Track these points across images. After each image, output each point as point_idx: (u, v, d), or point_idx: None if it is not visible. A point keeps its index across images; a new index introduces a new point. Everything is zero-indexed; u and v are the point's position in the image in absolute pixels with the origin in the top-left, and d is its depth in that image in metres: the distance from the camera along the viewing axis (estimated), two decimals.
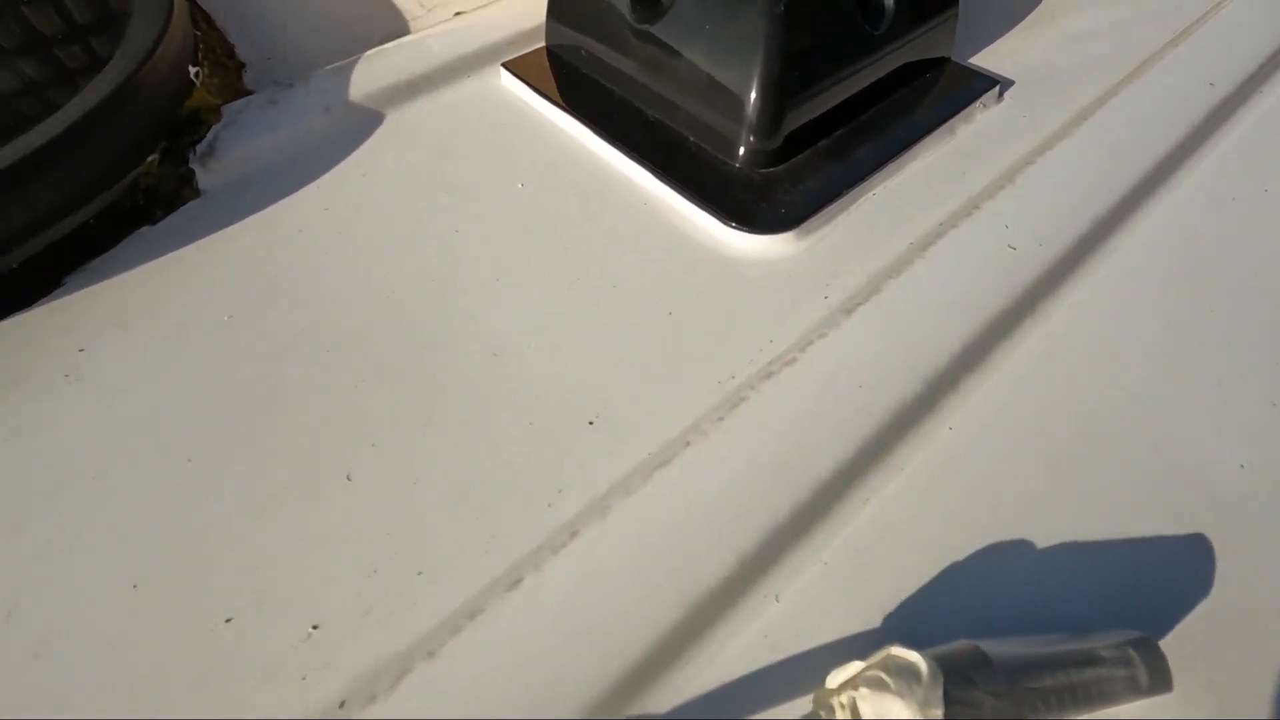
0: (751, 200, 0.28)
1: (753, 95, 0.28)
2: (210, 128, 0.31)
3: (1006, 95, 0.35)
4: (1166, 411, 0.23)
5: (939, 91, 0.34)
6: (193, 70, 0.31)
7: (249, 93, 0.34)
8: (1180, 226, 0.29)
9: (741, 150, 0.29)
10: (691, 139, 0.31)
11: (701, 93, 0.30)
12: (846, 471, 0.21)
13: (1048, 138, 0.32)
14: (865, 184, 0.30)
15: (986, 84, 0.34)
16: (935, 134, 0.32)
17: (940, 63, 0.35)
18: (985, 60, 0.37)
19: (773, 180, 0.29)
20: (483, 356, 0.24)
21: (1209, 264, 0.28)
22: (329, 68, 0.34)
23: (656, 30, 0.31)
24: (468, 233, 0.28)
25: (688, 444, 0.22)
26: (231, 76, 0.35)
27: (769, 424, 0.22)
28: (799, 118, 0.29)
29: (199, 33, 0.36)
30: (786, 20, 0.28)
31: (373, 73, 0.34)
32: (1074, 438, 0.23)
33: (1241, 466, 0.22)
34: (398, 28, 0.39)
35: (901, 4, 0.31)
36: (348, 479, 0.21)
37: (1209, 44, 0.36)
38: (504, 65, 0.35)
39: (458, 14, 0.40)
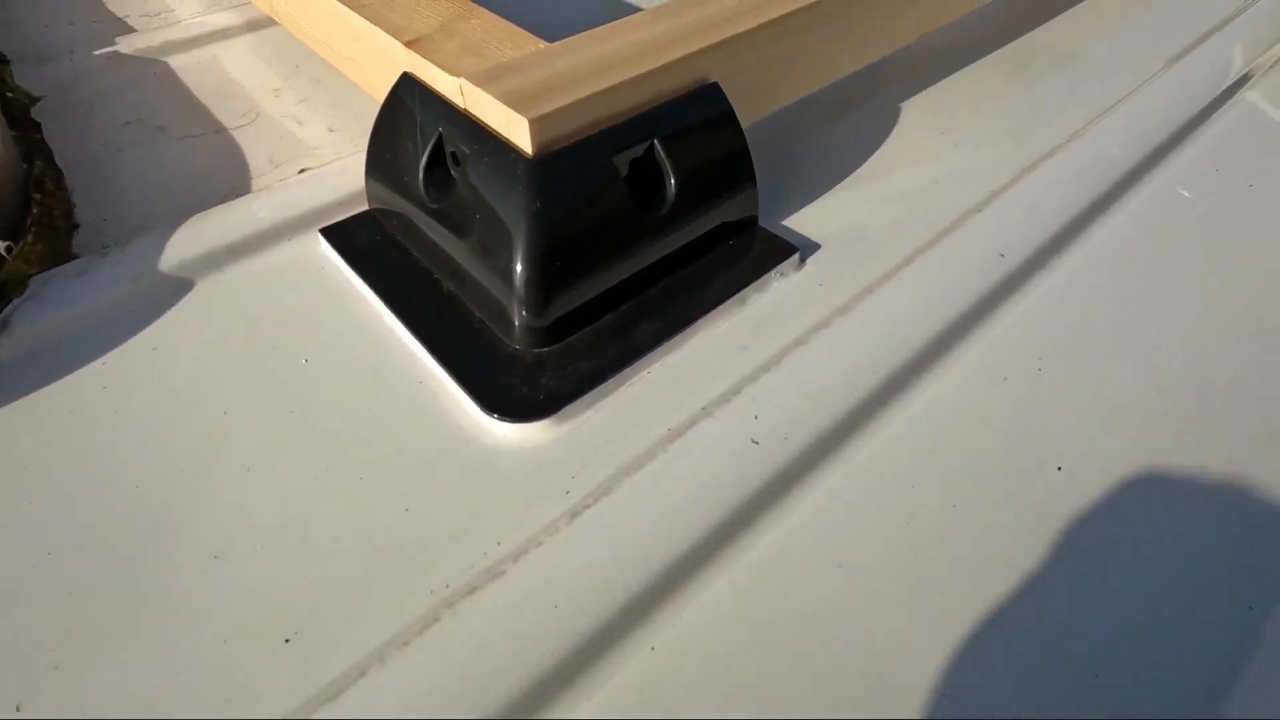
0: (517, 383, 0.29)
1: (518, 279, 0.29)
2: (11, 302, 0.32)
3: (810, 261, 0.36)
4: (884, 622, 0.23)
5: (738, 258, 0.35)
6: (2, 245, 0.33)
7: (74, 257, 0.36)
8: (937, 414, 0.29)
9: (516, 329, 0.30)
10: (478, 315, 0.32)
11: (483, 271, 0.31)
12: (529, 700, 0.21)
13: (829, 313, 0.32)
14: (640, 363, 0.30)
15: (786, 251, 0.35)
16: (725, 306, 0.33)
17: (746, 225, 0.36)
18: (799, 221, 0.38)
19: (545, 361, 0.30)
20: (204, 560, 0.24)
21: (961, 455, 0.28)
22: (154, 232, 0.36)
23: (443, 209, 0.32)
24: (236, 414, 0.29)
25: (383, 660, 0.22)
26: (60, 241, 0.36)
27: (454, 649, 0.22)
28: (572, 299, 0.30)
29: (39, 196, 0.38)
30: (549, 209, 0.29)
31: (193, 237, 0.35)
32: (789, 658, 0.22)
33: (944, 695, 0.22)
34: (241, 185, 0.41)
35: (687, 185, 0.32)
36: (16, 710, 0.21)
37: (1008, 211, 0.37)
38: (321, 230, 0.36)
39: (303, 170, 0.41)
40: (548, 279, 0.29)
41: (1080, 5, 0.57)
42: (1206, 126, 0.45)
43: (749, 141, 0.35)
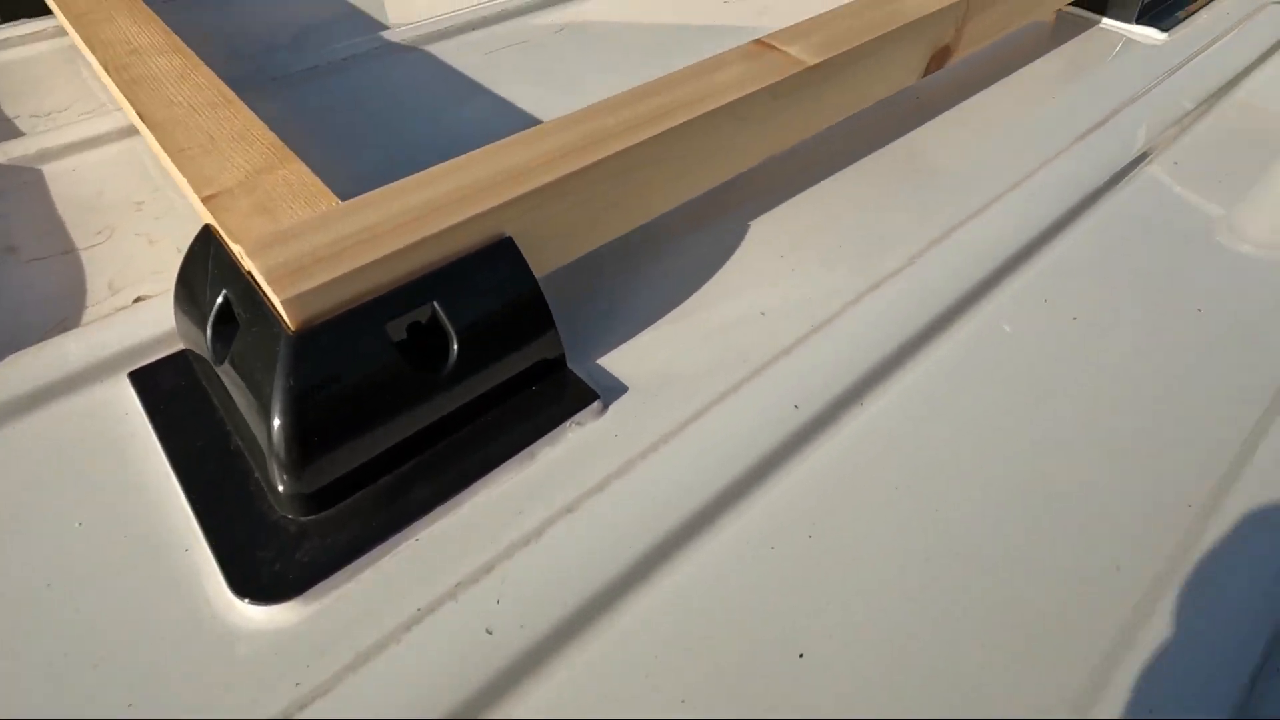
0: (272, 557, 0.29)
1: (274, 449, 0.29)
2: None
3: (613, 407, 0.36)
4: None
5: (536, 408, 0.35)
6: None
7: None
8: (692, 592, 0.29)
9: (281, 495, 0.30)
10: (255, 475, 0.32)
11: (253, 436, 0.31)
12: None
13: (607, 475, 0.32)
14: (408, 531, 0.30)
15: (587, 397, 0.35)
16: (512, 462, 0.33)
17: (552, 369, 0.36)
18: (616, 360, 0.38)
19: (309, 530, 0.30)
20: None
21: (706, 641, 0.27)
22: None
23: (222, 372, 0.32)
24: None
25: None
26: None
27: None
28: (333, 468, 0.30)
29: None
30: (305, 384, 0.29)
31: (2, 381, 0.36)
32: None
33: None
34: (74, 315, 0.41)
35: (472, 344, 0.33)
36: None
37: (818, 352, 0.38)
38: (130, 374, 0.36)
39: (137, 299, 0.42)
40: (304, 451, 0.29)
41: (946, 118, 0.57)
42: (1042, 253, 0.45)
43: (571, 275, 0.35)
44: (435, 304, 0.32)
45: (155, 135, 0.38)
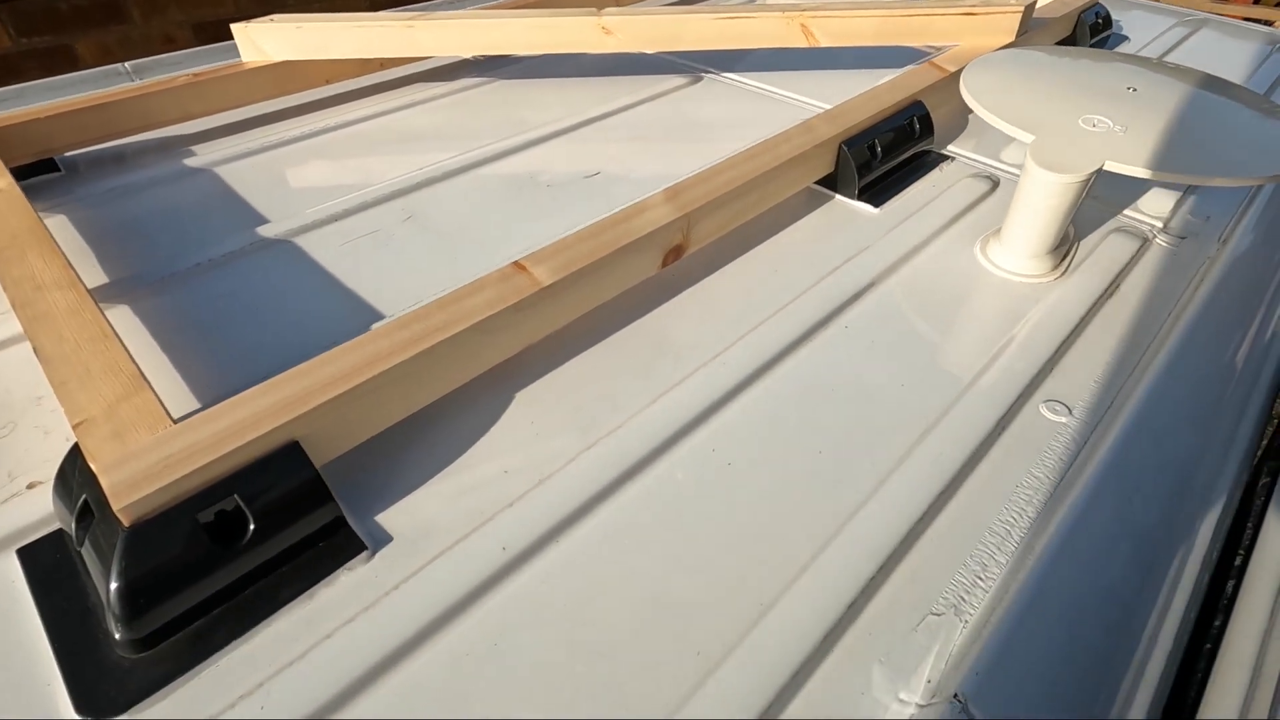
0: (109, 685, 0.42)
1: (111, 603, 0.42)
2: None
3: (379, 555, 0.50)
4: None
5: (318, 557, 0.49)
6: None
7: None
8: (419, 691, 0.43)
9: (117, 640, 0.43)
10: (103, 626, 0.45)
11: (100, 596, 0.44)
12: None
13: (364, 605, 0.46)
14: (211, 659, 0.44)
15: (357, 548, 0.50)
16: (296, 601, 0.47)
17: (335, 527, 0.51)
18: (390, 515, 0.53)
19: (136, 665, 0.43)
20: None
21: None
22: None
23: (83, 550, 0.46)
24: None
25: None
26: None
27: None
28: (158, 618, 0.44)
29: None
30: (133, 565, 0.43)
31: None
32: None
33: None
34: None
35: (265, 522, 0.47)
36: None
37: (534, 504, 0.53)
38: (18, 550, 0.49)
39: (31, 485, 0.55)
40: (131, 610, 0.43)
41: (686, 295, 0.75)
42: (721, 413, 0.62)
43: (361, 447, 0.50)
44: (236, 496, 0.46)
45: (45, 369, 0.53)
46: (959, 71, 1.05)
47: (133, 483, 0.44)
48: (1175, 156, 0.68)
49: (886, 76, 1.22)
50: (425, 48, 1.10)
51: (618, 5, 1.49)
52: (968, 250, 0.83)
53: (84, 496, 0.46)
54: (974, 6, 1.12)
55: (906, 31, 1.13)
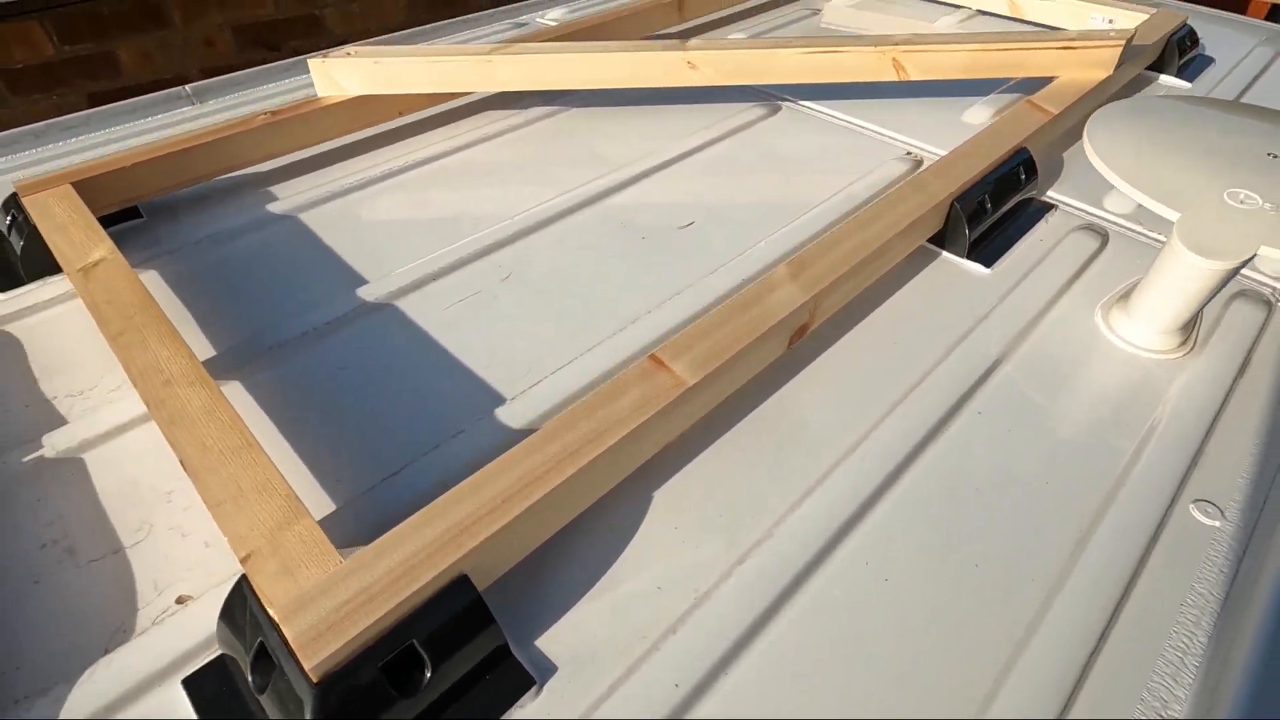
0: None
1: None
2: None
3: (545, 688, 0.49)
4: None
5: (486, 696, 0.48)
6: None
7: None
8: None
9: None
10: None
11: None
12: None
13: None
14: None
15: (525, 684, 0.48)
16: None
17: (499, 657, 0.49)
18: (549, 640, 0.51)
19: None
20: None
21: None
22: (48, 695, 0.48)
23: (263, 698, 0.45)
24: None
25: None
26: None
27: None
28: None
29: None
30: (327, 710, 0.42)
31: (75, 702, 0.47)
32: None
33: None
34: (128, 618, 0.53)
35: (442, 660, 0.46)
36: None
37: (685, 640, 0.52)
38: (183, 681, 0.48)
39: (179, 599, 0.54)
40: None
41: (807, 374, 0.73)
42: (867, 518, 0.60)
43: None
44: (414, 641, 0.45)
45: (195, 484, 0.51)
46: (1062, 113, 1.02)
47: (317, 634, 0.42)
48: None
49: (972, 107, 1.18)
50: (503, 82, 1.07)
51: (699, 35, 1.44)
52: (1088, 318, 0.80)
53: (259, 639, 0.45)
54: (1072, 39, 1.07)
55: (1001, 65, 1.09)
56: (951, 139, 1.09)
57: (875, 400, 0.70)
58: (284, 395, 0.69)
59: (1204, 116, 0.85)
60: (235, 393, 0.69)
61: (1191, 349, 0.76)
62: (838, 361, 0.74)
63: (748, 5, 1.62)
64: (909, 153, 1.08)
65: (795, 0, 1.68)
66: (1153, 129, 0.82)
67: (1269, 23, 1.61)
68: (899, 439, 0.66)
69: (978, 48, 1.06)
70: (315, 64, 1.03)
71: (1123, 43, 1.08)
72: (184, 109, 1.23)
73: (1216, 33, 1.55)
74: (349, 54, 1.04)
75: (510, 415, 0.67)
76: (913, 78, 1.09)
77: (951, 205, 0.85)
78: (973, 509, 0.61)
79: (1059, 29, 1.46)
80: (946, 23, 1.55)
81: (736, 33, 1.49)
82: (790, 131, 1.15)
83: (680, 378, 0.60)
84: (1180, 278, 0.69)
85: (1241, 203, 0.70)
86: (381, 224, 0.93)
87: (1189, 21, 1.38)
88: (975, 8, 1.56)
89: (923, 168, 1.03)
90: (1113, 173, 0.75)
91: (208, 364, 0.72)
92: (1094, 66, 1.10)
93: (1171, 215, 0.70)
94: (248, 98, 1.25)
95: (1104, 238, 0.92)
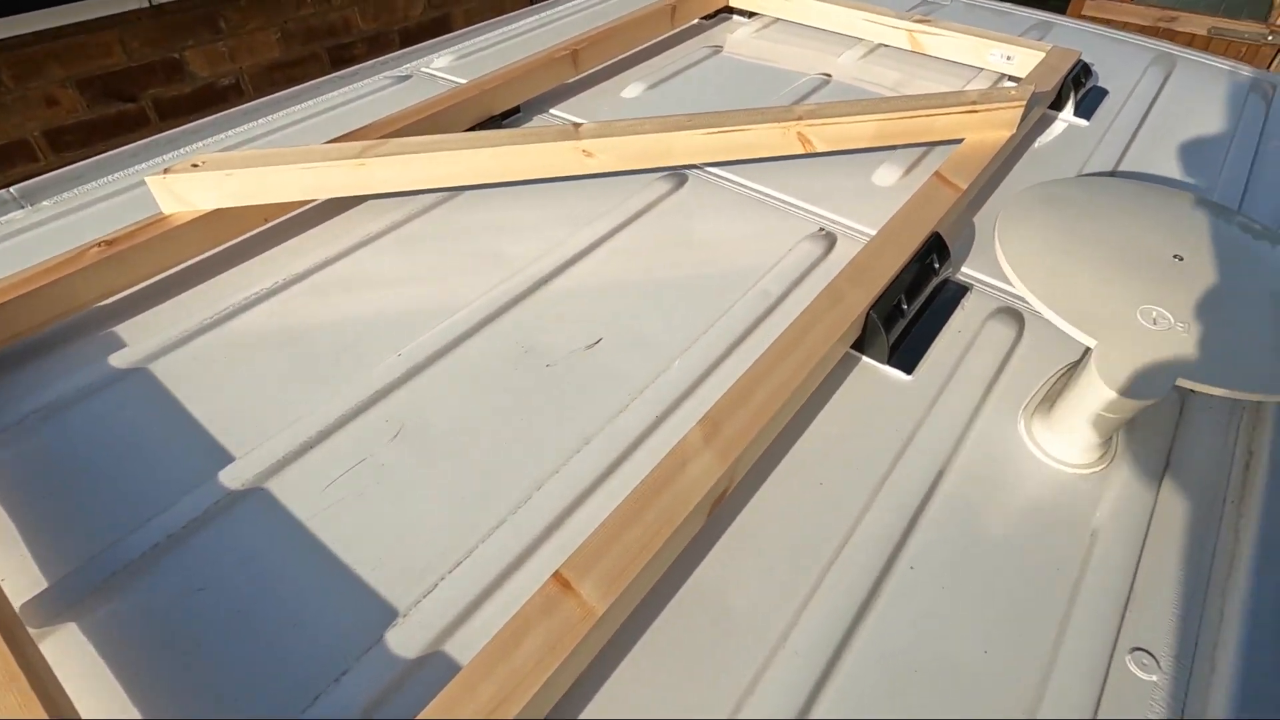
0: None
1: None
2: None
3: None
4: None
5: None
6: None
7: None
8: None
9: None
10: None
11: None
12: None
13: None
14: None
15: None
16: None
17: None
18: None
19: None
20: None
21: None
22: None
23: None
24: None
25: None
26: None
27: None
28: None
29: None
30: None
31: None
32: None
33: None
34: None
35: None
36: None
37: None
38: None
39: None
40: None
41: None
42: None
43: None
44: None
45: None
46: (970, 186, 0.99)
47: None
48: (1251, 369, 0.64)
49: (881, 167, 1.15)
50: (381, 184, 0.96)
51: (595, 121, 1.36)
52: (1012, 427, 0.78)
53: None
54: (975, 104, 1.05)
55: (907, 133, 1.06)
56: (863, 206, 1.06)
57: (804, 568, 0.65)
58: (130, 637, 0.59)
59: (1109, 206, 0.83)
60: (67, 643, 0.59)
61: (1113, 457, 0.75)
62: (761, 520, 0.69)
63: (644, 48, 1.54)
64: (822, 229, 1.03)
65: (694, 38, 1.61)
66: (1061, 229, 0.80)
67: (1158, 42, 1.64)
68: (832, 617, 0.61)
69: (883, 117, 1.02)
70: (155, 181, 0.90)
71: (1024, 102, 1.06)
72: (11, 214, 1.07)
73: (1108, 57, 1.57)
74: (195, 166, 0.91)
75: (402, 641, 0.59)
76: (819, 150, 1.04)
77: (868, 315, 0.81)
78: (913, 697, 0.57)
79: (962, 63, 1.45)
80: (850, 56, 1.52)
81: (635, 81, 1.41)
82: (699, 208, 1.08)
83: (589, 606, 0.53)
84: (1101, 409, 0.67)
85: (1155, 323, 0.68)
86: (248, 370, 0.82)
87: (1081, 56, 1.39)
88: (877, 40, 1.53)
89: (834, 251, 0.99)
90: (1029, 291, 0.72)
91: (31, 606, 0.61)
92: (998, 127, 1.08)
93: (1089, 340, 0.67)
94: (91, 194, 1.10)
95: (1020, 323, 0.90)
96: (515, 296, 0.92)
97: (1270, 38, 4.58)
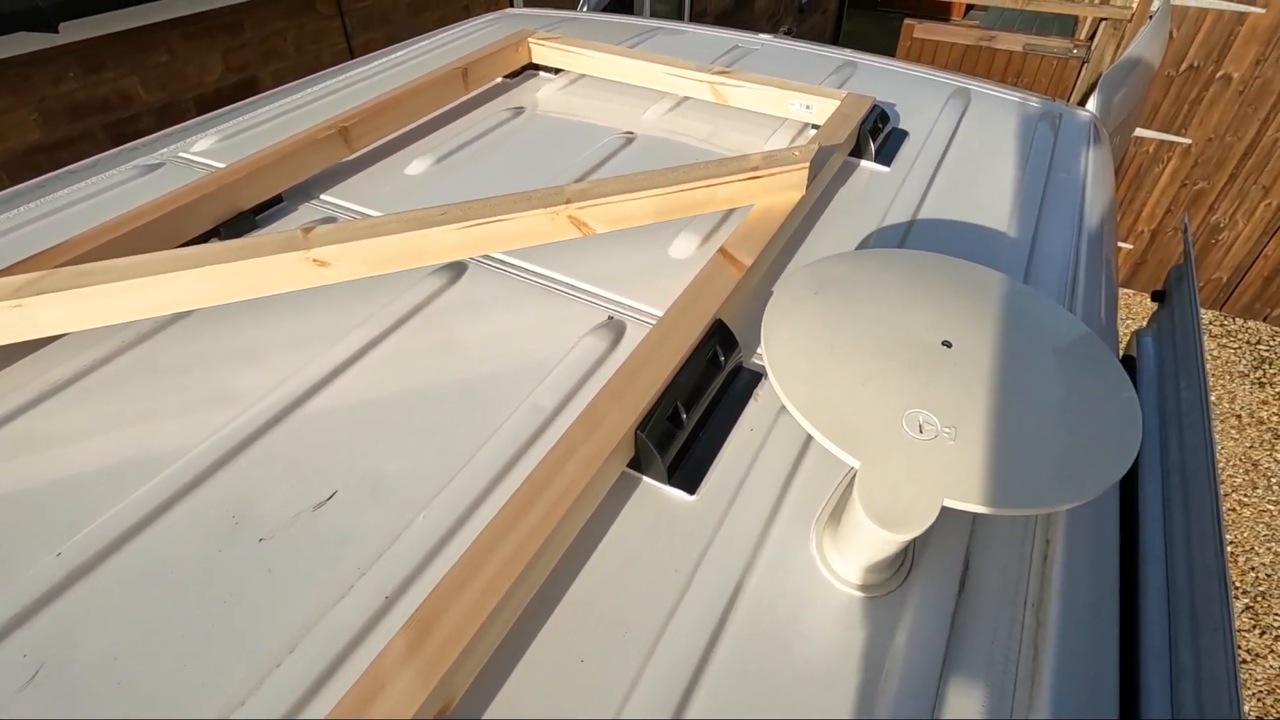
0: None
1: None
2: None
3: None
4: None
5: None
6: None
7: None
8: None
9: None
10: None
11: None
12: None
13: None
14: None
15: None
16: None
17: None
18: None
19: None
20: None
21: None
22: None
23: None
24: None
25: None
26: None
27: None
28: None
29: None
30: None
31: None
32: None
33: None
34: None
35: None
36: None
37: None
38: None
39: None
40: None
41: None
42: None
43: None
44: None
45: None
46: (757, 261, 0.92)
47: None
48: (1025, 478, 0.58)
49: (678, 237, 1.07)
50: (53, 326, 0.79)
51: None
52: (804, 547, 0.69)
53: None
54: (757, 169, 0.99)
55: (690, 205, 0.98)
56: (657, 285, 0.97)
57: None
58: None
59: (879, 284, 0.77)
60: None
61: (908, 572, 0.67)
62: (516, 703, 0.57)
63: (435, 116, 1.42)
64: (610, 317, 0.94)
65: (494, 100, 1.51)
66: (828, 318, 0.73)
67: (956, 77, 1.68)
68: None
69: (661, 192, 0.94)
70: None
71: (808, 164, 1.01)
72: None
73: (909, 96, 1.58)
74: None
75: None
76: (597, 232, 0.95)
77: (637, 435, 0.71)
78: None
79: (765, 114, 1.42)
80: (655, 112, 1.45)
81: (423, 154, 1.28)
82: (476, 303, 0.96)
83: None
84: (874, 538, 0.59)
85: (922, 431, 0.61)
86: None
87: (878, 100, 1.38)
88: (681, 94, 1.48)
89: (621, 343, 0.89)
90: (789, 402, 0.64)
91: None
92: (787, 189, 1.02)
93: (852, 461, 0.60)
94: None
95: None
96: (234, 447, 0.76)
97: (1075, 51, 5.04)
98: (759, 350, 0.90)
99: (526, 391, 0.83)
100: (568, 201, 0.91)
